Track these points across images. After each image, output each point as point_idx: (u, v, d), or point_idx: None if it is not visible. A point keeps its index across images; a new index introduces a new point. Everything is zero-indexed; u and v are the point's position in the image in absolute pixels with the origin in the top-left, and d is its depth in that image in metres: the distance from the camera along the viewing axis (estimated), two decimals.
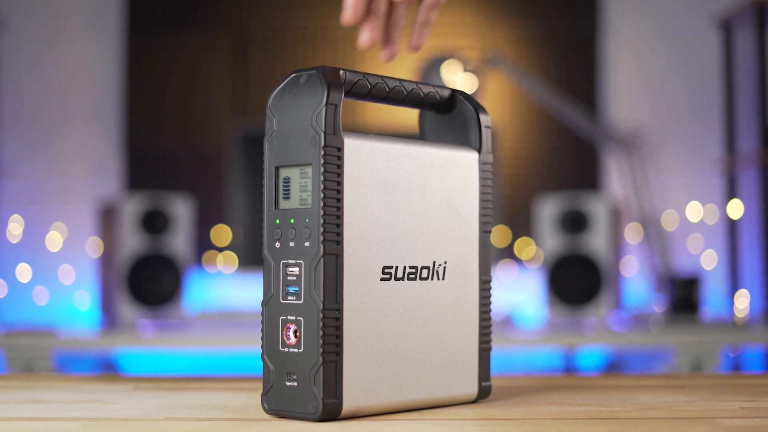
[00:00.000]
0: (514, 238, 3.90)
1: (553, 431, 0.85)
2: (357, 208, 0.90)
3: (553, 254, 3.60)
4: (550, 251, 3.60)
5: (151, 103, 3.99)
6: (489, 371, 1.02)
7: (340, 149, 0.88)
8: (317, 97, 0.88)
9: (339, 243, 0.88)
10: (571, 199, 3.60)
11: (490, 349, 1.02)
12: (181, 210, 3.59)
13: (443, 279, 0.97)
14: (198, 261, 3.84)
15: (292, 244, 0.89)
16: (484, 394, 1.01)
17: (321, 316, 0.87)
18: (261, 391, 0.92)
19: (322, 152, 0.87)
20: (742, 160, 3.73)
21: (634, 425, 0.88)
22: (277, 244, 0.90)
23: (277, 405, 0.89)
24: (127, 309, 3.53)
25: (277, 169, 0.91)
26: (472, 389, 1.00)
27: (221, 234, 3.89)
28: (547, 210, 3.61)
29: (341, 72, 0.91)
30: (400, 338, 0.93)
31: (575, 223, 3.59)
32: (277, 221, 0.90)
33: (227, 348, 3.35)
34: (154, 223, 3.57)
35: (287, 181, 0.90)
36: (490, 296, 1.02)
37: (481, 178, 1.01)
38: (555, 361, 3.69)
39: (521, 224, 3.88)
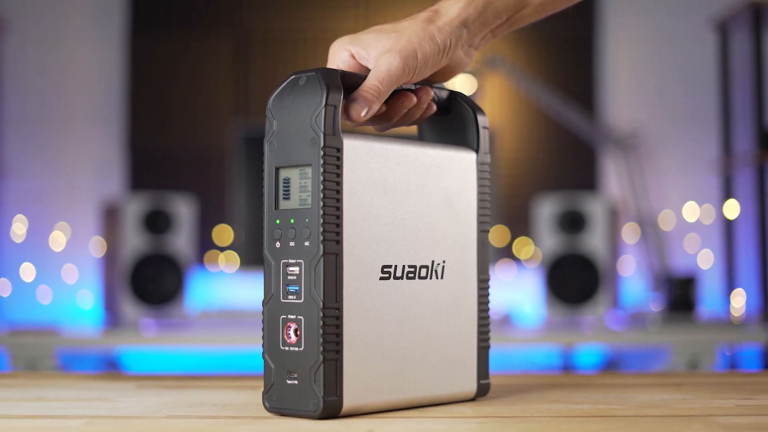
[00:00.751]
0: (513, 238, 3.91)
1: (551, 429, 0.85)
2: (356, 208, 0.90)
3: (552, 254, 3.61)
4: (548, 251, 3.62)
5: (153, 104, 4.00)
6: (487, 369, 1.02)
7: (339, 150, 0.89)
8: (316, 98, 0.89)
9: (338, 242, 0.89)
10: (569, 199, 3.62)
11: (488, 347, 1.02)
12: (183, 210, 3.61)
13: (442, 278, 0.98)
14: (200, 260, 3.86)
15: (292, 243, 0.89)
16: (482, 391, 1.02)
17: (321, 315, 0.87)
18: (262, 389, 0.92)
19: (322, 153, 0.88)
20: (738, 160, 3.74)
21: (632, 423, 0.88)
22: (278, 244, 0.90)
23: (278, 403, 0.90)
24: (129, 308, 3.55)
25: (277, 169, 0.91)
26: (471, 387, 1.00)
27: (223, 234, 3.90)
28: (546, 210, 3.63)
29: (340, 74, 0.92)
30: (399, 337, 0.94)
31: (573, 223, 3.60)
32: (278, 221, 0.91)
33: (229, 347, 3.37)
34: (157, 223, 3.58)
35: (287, 181, 0.90)
36: (488, 295, 1.02)
37: (479, 179, 1.02)
38: (553, 360, 3.71)
39: (520, 224, 3.89)
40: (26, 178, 3.95)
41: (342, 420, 0.88)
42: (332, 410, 0.88)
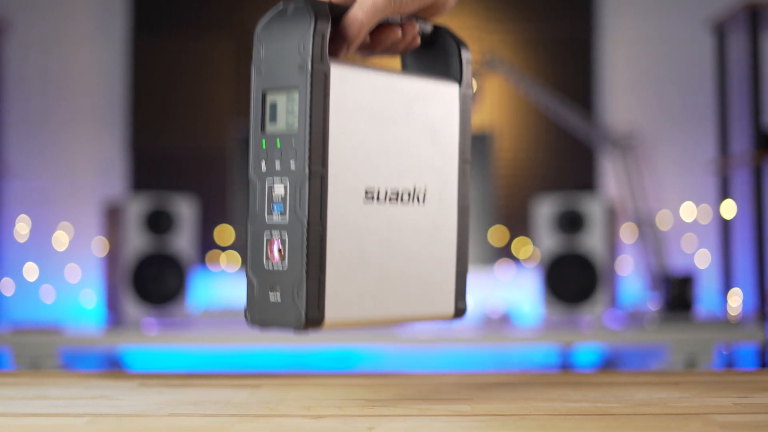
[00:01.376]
0: (512, 238, 3.92)
1: (549, 427, 0.85)
2: (342, 132, 0.92)
3: (550, 253, 3.63)
4: (547, 250, 3.64)
5: (155, 105, 4.02)
6: (465, 293, 1.04)
7: (327, 75, 0.90)
8: (305, 25, 0.90)
9: (324, 165, 0.90)
10: (568, 199, 3.64)
11: (466, 272, 1.04)
12: (185, 210, 3.63)
13: (423, 204, 1.00)
14: (201, 260, 3.87)
15: (278, 165, 0.91)
16: (459, 313, 1.03)
17: (306, 233, 0.89)
18: (263, 387, 0.93)
19: (309, 78, 0.89)
20: (735, 161, 3.75)
21: (629, 421, 0.88)
22: (263, 166, 0.92)
23: (260, 317, 0.91)
24: (132, 307, 3.57)
25: (264, 93, 0.93)
26: (449, 309, 1.02)
27: (224, 234, 3.92)
28: (544, 210, 3.65)
29: (328, 4, 0.93)
30: (381, 258, 0.96)
31: (572, 222, 3.62)
32: (263, 144, 0.92)
33: (230, 345, 3.39)
34: (159, 223, 3.61)
35: (274, 105, 0.92)
36: (467, 223, 1.04)
37: (462, 111, 1.03)
38: (552, 359, 3.73)
39: (519, 224, 3.91)
40: (29, 179, 3.97)
41: (342, 418, 0.89)
42: (314, 324, 0.90)
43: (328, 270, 0.91)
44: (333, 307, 0.91)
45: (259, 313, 0.92)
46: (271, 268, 0.91)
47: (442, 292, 1.02)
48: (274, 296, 0.91)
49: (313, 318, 0.89)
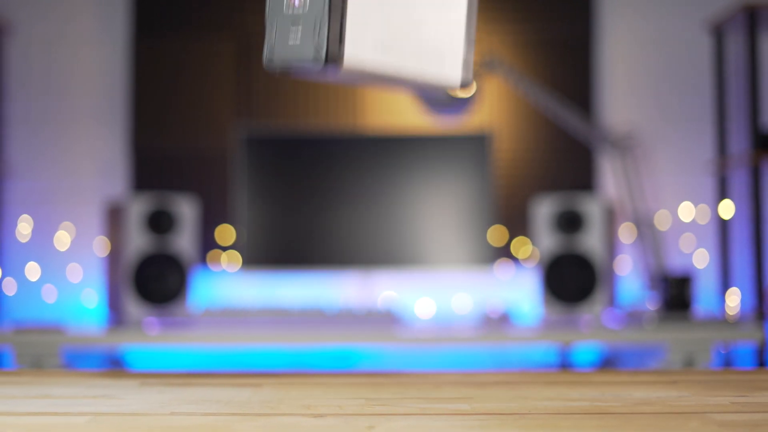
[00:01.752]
0: (511, 238, 3.93)
1: (549, 426, 0.86)
2: None
3: (549, 253, 3.64)
4: (546, 250, 3.64)
5: (156, 105, 4.02)
6: (471, 64, 1.08)
7: None
8: None
9: None
10: (567, 199, 3.64)
11: (473, 41, 1.08)
12: (186, 210, 3.64)
13: None
14: (203, 260, 3.88)
15: None
16: (465, 84, 1.08)
17: None
18: (263, 386, 0.93)
19: None
20: (733, 161, 3.75)
21: (628, 420, 0.89)
22: None
23: (279, 57, 0.94)
24: (133, 307, 3.58)
25: None
26: (457, 77, 1.07)
27: (225, 234, 3.93)
28: (543, 210, 3.65)
29: None
30: (398, 15, 0.99)
31: (570, 222, 3.63)
32: None
33: (231, 344, 3.40)
34: (160, 223, 3.61)
35: None
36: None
37: None
38: (551, 358, 3.74)
39: (518, 224, 3.92)
40: (31, 179, 3.98)
41: (342, 417, 0.90)
42: (333, 59, 0.92)
43: (349, 15, 0.93)
44: (351, 48, 0.93)
45: (278, 53, 0.94)
46: (291, 12, 0.93)
47: (451, 59, 1.06)
48: (294, 38, 0.93)
49: (333, 53, 0.92)
